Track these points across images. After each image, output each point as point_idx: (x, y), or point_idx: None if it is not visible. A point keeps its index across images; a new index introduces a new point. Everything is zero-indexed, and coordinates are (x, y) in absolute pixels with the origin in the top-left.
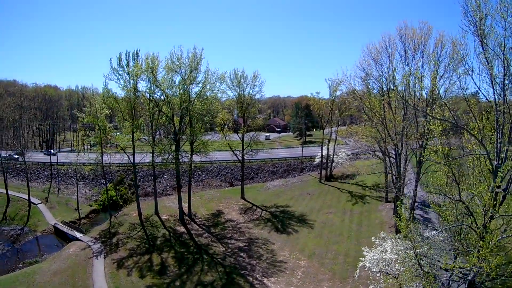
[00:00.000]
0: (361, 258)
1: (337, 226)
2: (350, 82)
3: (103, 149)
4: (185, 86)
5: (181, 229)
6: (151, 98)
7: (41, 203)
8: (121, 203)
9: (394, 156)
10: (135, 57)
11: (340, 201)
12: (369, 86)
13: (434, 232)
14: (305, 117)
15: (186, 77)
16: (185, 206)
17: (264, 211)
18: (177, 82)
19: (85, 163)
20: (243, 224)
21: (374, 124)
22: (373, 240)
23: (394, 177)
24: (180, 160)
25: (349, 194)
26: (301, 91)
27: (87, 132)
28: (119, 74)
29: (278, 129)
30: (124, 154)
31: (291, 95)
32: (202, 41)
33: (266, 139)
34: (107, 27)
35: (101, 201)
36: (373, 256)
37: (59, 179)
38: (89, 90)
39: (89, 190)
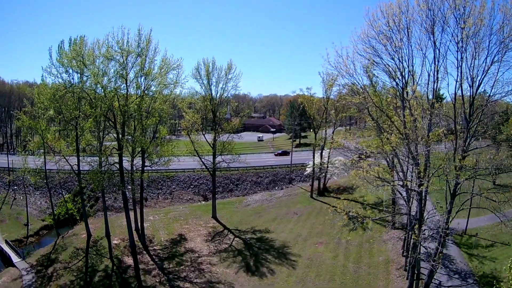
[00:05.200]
0: None
1: (327, 266)
2: (348, 66)
3: (47, 156)
4: (127, 79)
5: (129, 260)
6: (88, 95)
7: None
8: (78, 217)
9: (416, 189)
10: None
11: (333, 226)
12: (374, 78)
13: None
14: (299, 117)
15: (125, 66)
16: (146, 224)
17: (237, 238)
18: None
19: (29, 170)
20: (206, 258)
21: (386, 136)
22: None
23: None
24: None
25: (346, 215)
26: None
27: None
28: (61, 66)
29: (273, 130)
30: (75, 158)
31: (289, 94)
32: (186, 31)
33: (258, 140)
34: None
35: (55, 215)
36: None
37: (15, 187)
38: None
39: (45, 202)
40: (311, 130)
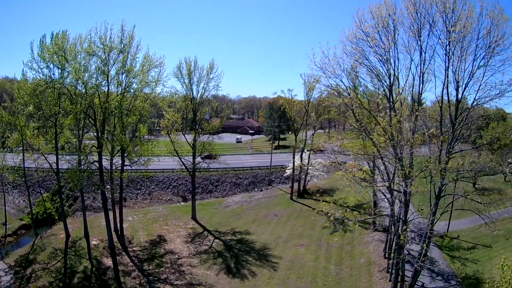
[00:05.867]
0: None
1: (309, 268)
2: (334, 67)
3: (26, 153)
4: (108, 75)
5: (108, 262)
6: (68, 91)
7: None
8: (56, 217)
9: (405, 189)
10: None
11: (314, 228)
12: (360, 79)
13: None
14: (279, 119)
15: (107, 62)
16: (125, 225)
17: (217, 240)
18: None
19: (7, 167)
20: (186, 260)
21: (371, 137)
22: None
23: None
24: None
25: (326, 217)
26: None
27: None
28: (42, 61)
29: (252, 131)
30: (54, 157)
31: (268, 96)
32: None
33: (237, 142)
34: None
35: (34, 214)
36: None
37: None
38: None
39: (23, 200)
40: (290, 133)
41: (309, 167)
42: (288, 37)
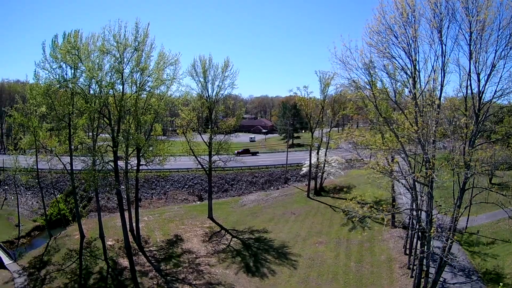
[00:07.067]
0: None
1: (329, 265)
2: (355, 60)
3: (39, 155)
4: (123, 74)
5: (124, 262)
6: (82, 90)
7: None
8: (70, 218)
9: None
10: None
11: (332, 225)
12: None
13: None
14: (292, 118)
15: (121, 61)
16: (141, 225)
17: (234, 238)
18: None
19: (20, 169)
20: (204, 259)
21: (395, 131)
22: None
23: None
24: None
25: (344, 214)
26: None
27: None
28: (54, 61)
29: (265, 131)
30: (68, 157)
31: (280, 95)
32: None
33: (250, 141)
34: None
35: (47, 215)
36: None
37: (6, 187)
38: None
39: (37, 202)
40: (303, 131)
41: (326, 165)
42: (297, 37)
